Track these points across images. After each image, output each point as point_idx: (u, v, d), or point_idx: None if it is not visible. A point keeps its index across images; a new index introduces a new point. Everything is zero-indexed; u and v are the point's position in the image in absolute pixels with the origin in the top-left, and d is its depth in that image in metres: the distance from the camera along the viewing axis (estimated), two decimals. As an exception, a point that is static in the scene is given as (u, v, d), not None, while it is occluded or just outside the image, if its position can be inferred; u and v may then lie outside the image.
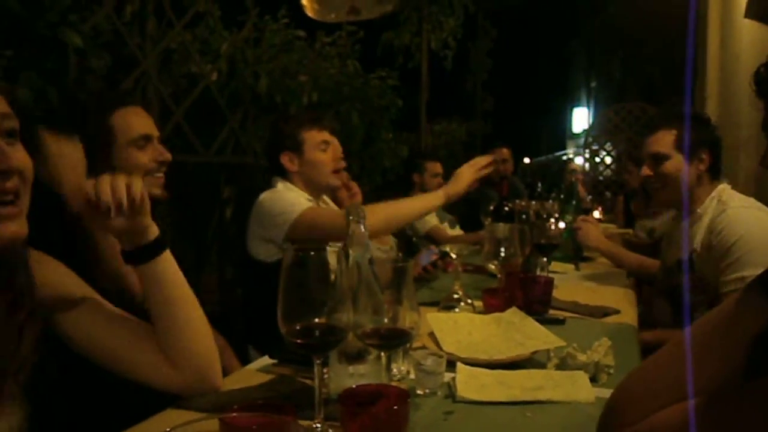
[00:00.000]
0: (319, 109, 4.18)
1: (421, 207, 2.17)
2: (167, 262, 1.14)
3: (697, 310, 1.99)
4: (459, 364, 1.32)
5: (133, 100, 1.53)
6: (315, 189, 2.25)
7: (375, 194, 4.76)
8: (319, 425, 0.99)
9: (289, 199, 2.11)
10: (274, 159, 2.25)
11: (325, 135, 2.26)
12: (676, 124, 2.10)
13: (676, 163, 2.08)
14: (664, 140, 2.10)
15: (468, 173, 2.13)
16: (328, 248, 0.99)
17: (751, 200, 2.03)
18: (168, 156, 1.51)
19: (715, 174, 2.09)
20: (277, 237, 2.04)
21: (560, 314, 1.85)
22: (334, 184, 2.29)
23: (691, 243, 2.07)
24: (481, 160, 2.17)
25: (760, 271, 1.87)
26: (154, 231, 1.12)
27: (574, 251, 2.77)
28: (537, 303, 1.80)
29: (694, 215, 2.08)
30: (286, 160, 2.22)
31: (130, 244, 1.10)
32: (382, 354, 1.05)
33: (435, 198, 2.15)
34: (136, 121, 1.48)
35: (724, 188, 2.07)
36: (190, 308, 1.16)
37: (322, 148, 2.24)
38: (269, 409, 0.80)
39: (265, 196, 2.14)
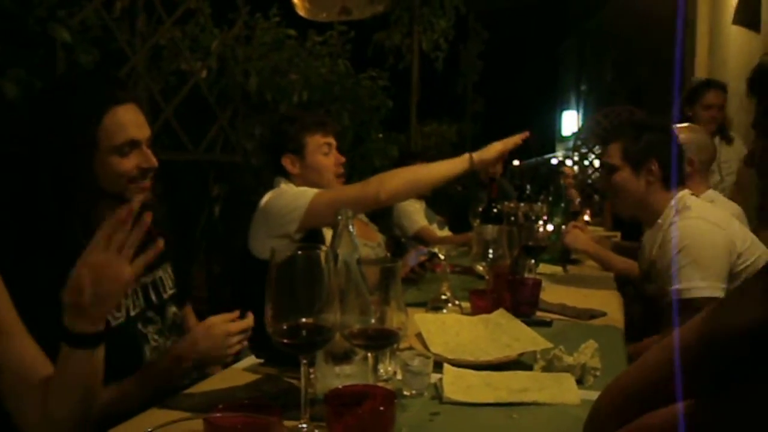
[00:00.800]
0: (310, 108, 4.17)
1: (446, 171, 2.10)
2: (99, 353, 1.12)
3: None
4: (446, 365, 1.32)
5: (127, 96, 1.38)
6: None
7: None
8: (304, 425, 0.99)
9: (294, 193, 2.09)
10: (274, 160, 2.23)
11: (329, 138, 2.24)
12: (625, 135, 2.11)
13: (624, 174, 2.08)
14: (613, 151, 2.11)
15: (499, 144, 2.11)
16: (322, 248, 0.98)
17: (710, 210, 2.00)
18: (154, 162, 1.38)
19: (670, 183, 2.06)
20: (290, 231, 2.02)
21: (547, 316, 1.86)
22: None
23: (651, 253, 2.08)
24: (515, 139, 2.16)
25: (695, 284, 1.92)
26: (104, 321, 1.12)
27: (562, 254, 2.78)
28: (524, 305, 1.81)
29: (656, 225, 2.07)
30: (288, 163, 2.20)
31: (85, 326, 1.08)
32: (369, 354, 1.04)
33: (460, 162, 2.08)
34: (126, 123, 1.34)
35: (683, 196, 2.05)
36: (96, 388, 1.15)
37: (325, 151, 2.22)
38: (254, 409, 0.80)
39: (269, 195, 2.11)
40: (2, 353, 1.09)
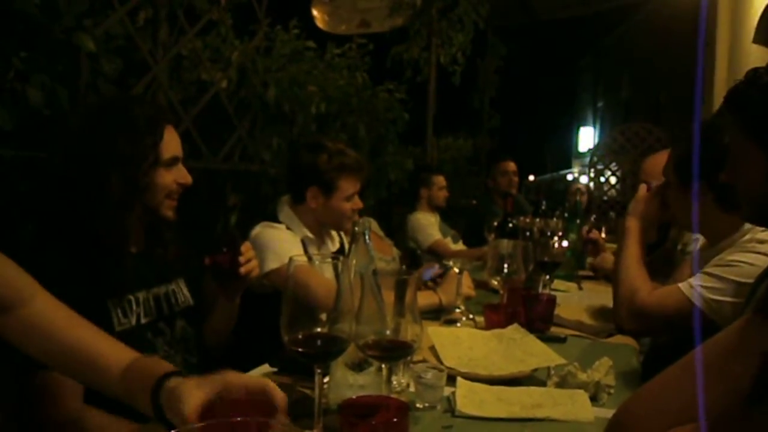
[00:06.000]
0: (327, 120, 4.20)
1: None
2: None
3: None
4: (459, 379, 1.32)
5: (170, 118, 1.52)
6: (323, 227, 2.18)
7: (380, 208, 4.77)
8: (317, 435, 0.99)
9: (280, 246, 2.01)
10: (297, 186, 2.14)
11: (357, 186, 2.16)
12: (677, 145, 1.88)
13: (673, 189, 1.87)
14: (663, 161, 1.91)
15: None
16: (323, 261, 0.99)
17: None
18: (189, 179, 1.51)
19: (726, 206, 1.71)
20: (264, 270, 1.96)
21: (563, 332, 1.85)
22: (345, 229, 2.22)
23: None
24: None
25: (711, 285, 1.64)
26: None
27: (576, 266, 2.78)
28: (539, 320, 1.80)
29: (716, 247, 1.78)
30: (310, 196, 2.10)
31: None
32: (383, 366, 1.05)
33: (429, 297, 2.01)
34: (171, 141, 1.47)
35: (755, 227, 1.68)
36: None
37: (350, 198, 2.15)
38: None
39: (260, 231, 2.05)
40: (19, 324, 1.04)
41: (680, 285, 1.74)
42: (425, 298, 2.00)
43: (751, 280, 1.53)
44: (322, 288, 1.68)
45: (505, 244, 1.91)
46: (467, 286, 2.03)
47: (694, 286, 1.69)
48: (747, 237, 1.70)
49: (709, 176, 1.67)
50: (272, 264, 1.97)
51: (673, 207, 1.91)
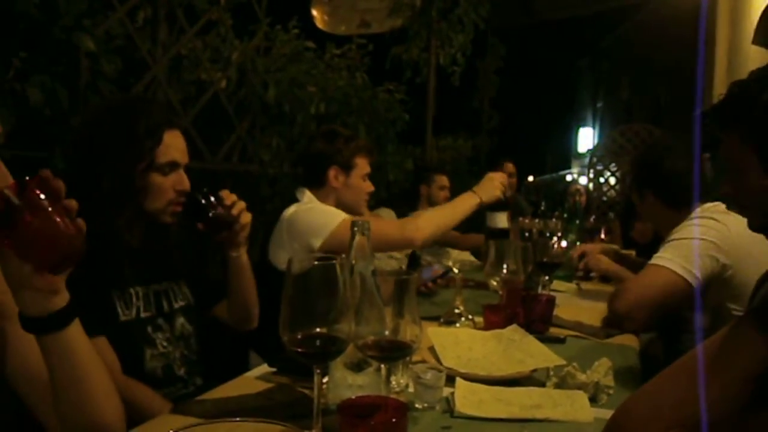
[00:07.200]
0: (327, 121, 4.20)
1: (464, 211, 2.21)
2: (74, 335, 0.98)
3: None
4: (458, 380, 1.32)
5: (177, 122, 1.51)
6: (343, 210, 2.26)
7: (379, 208, 4.77)
8: (316, 435, 0.99)
9: (324, 210, 2.15)
10: (317, 169, 2.27)
11: (369, 168, 2.34)
12: (633, 157, 2.19)
13: (634, 197, 2.19)
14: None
15: (498, 177, 2.24)
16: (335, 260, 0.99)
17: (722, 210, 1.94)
18: (187, 186, 1.49)
19: (675, 205, 2.06)
20: (313, 247, 2.05)
21: (562, 332, 1.85)
22: (363, 213, 2.35)
23: None
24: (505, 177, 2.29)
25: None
26: (64, 298, 0.96)
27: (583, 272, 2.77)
28: (538, 321, 1.80)
29: None
30: (332, 175, 2.25)
31: (36, 308, 0.94)
32: (382, 366, 1.04)
33: (470, 198, 2.20)
34: (171, 146, 1.46)
35: (707, 207, 1.97)
36: (95, 383, 1.02)
37: (365, 178, 2.32)
38: None
39: (296, 208, 2.16)
40: (8, 338, 1.04)
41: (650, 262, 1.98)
42: (463, 201, 2.19)
43: (704, 237, 1.87)
44: (387, 228, 2.09)
45: (498, 217, 1.93)
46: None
47: (661, 256, 1.93)
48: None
49: (651, 182, 2.10)
50: (332, 224, 2.05)
51: (637, 207, 2.22)
